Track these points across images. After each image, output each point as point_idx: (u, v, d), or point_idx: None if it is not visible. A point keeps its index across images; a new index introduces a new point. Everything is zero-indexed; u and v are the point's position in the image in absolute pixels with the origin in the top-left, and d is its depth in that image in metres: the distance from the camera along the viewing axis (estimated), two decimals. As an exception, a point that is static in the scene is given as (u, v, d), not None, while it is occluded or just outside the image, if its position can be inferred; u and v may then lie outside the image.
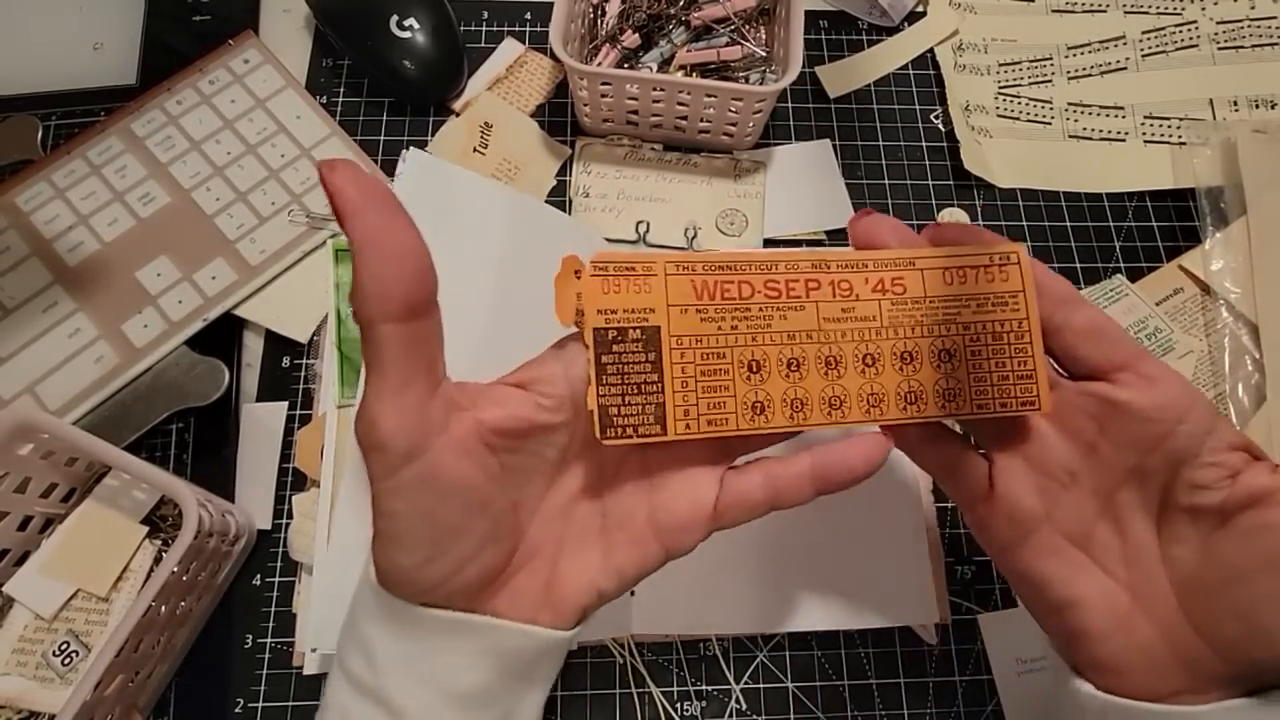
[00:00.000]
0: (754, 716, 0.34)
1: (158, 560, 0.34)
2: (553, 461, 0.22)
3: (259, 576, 0.35)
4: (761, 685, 0.34)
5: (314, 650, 0.33)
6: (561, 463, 0.22)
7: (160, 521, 0.35)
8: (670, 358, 0.20)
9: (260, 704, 0.33)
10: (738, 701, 0.34)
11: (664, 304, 0.20)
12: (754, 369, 0.21)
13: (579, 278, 0.20)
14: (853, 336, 0.21)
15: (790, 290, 0.21)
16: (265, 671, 0.34)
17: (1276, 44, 0.46)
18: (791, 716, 0.34)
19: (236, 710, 0.33)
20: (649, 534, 0.21)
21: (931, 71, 0.47)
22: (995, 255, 0.22)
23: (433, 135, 0.43)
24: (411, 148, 0.39)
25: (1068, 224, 0.43)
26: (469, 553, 0.20)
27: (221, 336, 0.38)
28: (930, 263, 0.22)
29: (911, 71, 0.47)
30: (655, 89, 0.39)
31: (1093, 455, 0.22)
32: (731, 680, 0.35)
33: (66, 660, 0.32)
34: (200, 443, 0.37)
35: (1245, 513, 0.20)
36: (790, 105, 0.45)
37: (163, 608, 0.30)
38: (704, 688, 0.34)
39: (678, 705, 0.34)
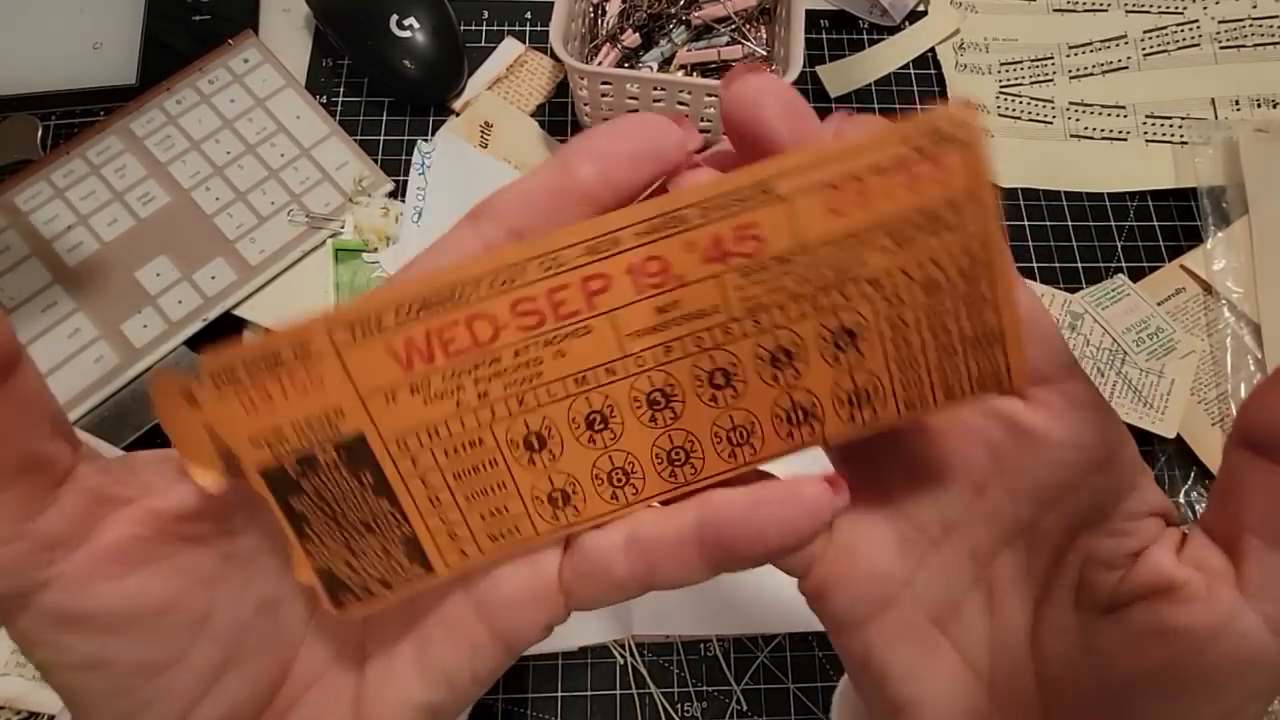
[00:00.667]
0: (755, 717, 0.34)
1: (157, 561, 0.34)
2: None
3: (259, 577, 0.35)
4: (763, 686, 0.34)
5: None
6: None
7: (160, 522, 0.35)
8: (398, 471, 0.13)
9: (260, 705, 0.33)
10: (739, 702, 0.34)
11: (354, 396, 0.13)
12: (535, 446, 0.13)
13: (197, 404, 0.12)
14: (686, 349, 0.13)
15: (559, 305, 0.13)
16: (265, 672, 0.34)
17: (1278, 43, 0.46)
18: (793, 717, 0.34)
19: (236, 711, 0.33)
20: (473, 620, 0.15)
21: (933, 71, 0.46)
22: (919, 140, 0.12)
23: (433, 135, 0.43)
24: (444, 130, 0.38)
25: (1069, 223, 0.43)
26: (195, 691, 0.14)
27: (221, 337, 0.38)
28: (801, 180, 0.12)
29: (913, 71, 0.46)
30: (656, 88, 0.39)
31: (979, 501, 0.15)
32: (732, 681, 0.34)
33: (66, 661, 0.32)
34: (200, 443, 0.37)
35: (1138, 606, 0.14)
36: (791, 105, 0.45)
37: (162, 608, 0.29)
38: (705, 688, 0.34)
39: (678, 706, 0.34)
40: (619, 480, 0.14)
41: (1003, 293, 0.13)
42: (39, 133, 0.42)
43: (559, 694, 0.34)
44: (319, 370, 0.13)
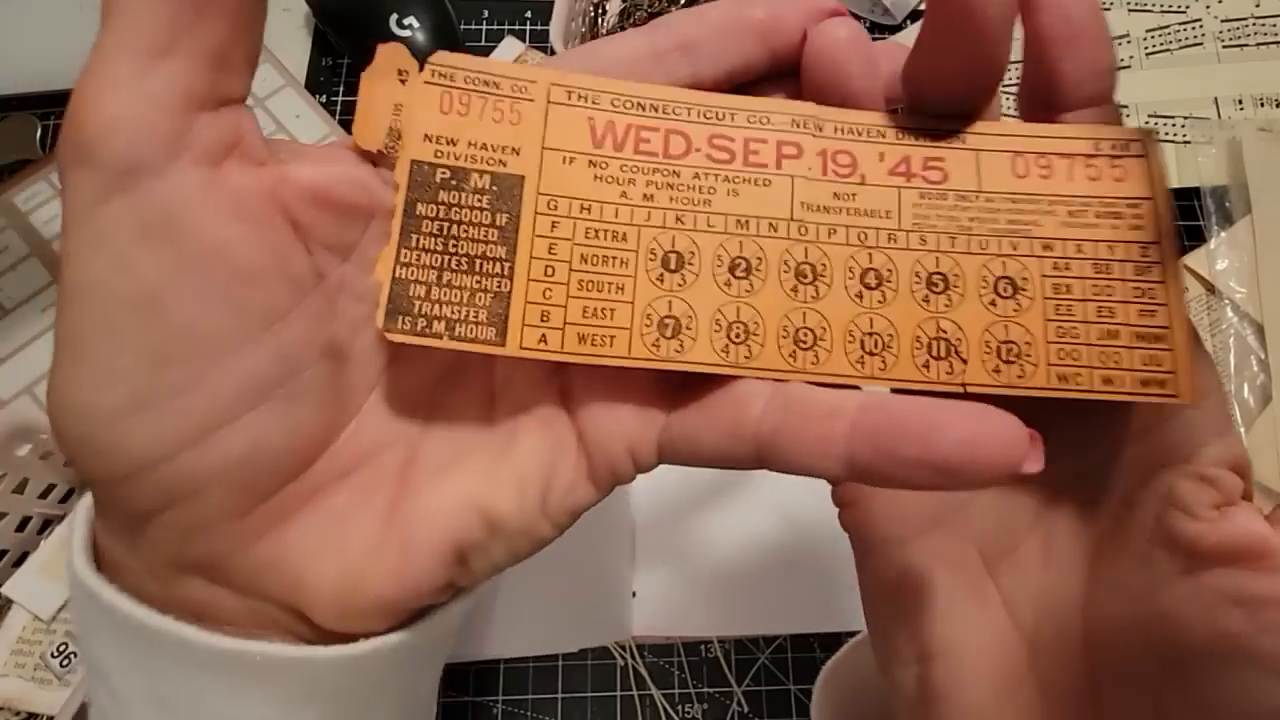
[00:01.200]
0: (756, 719, 0.34)
1: (157, 561, 0.34)
2: None
3: (258, 578, 0.35)
4: (763, 687, 0.34)
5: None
6: None
7: (159, 522, 0.35)
8: (534, 227, 0.13)
9: (259, 706, 0.33)
10: (739, 704, 0.34)
11: (538, 144, 0.13)
12: (672, 265, 0.13)
13: (404, 82, 0.13)
14: (849, 238, 0.13)
15: (751, 154, 0.13)
16: (264, 673, 0.34)
17: (1282, 42, 0.46)
18: (794, 719, 0.34)
19: (235, 712, 0.33)
20: (562, 422, 0.13)
21: (934, 70, 0.46)
22: (1106, 142, 0.13)
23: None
24: None
25: (1071, 223, 0.43)
26: (226, 404, 0.11)
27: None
28: (992, 141, 0.13)
29: (914, 70, 0.46)
30: (656, 88, 0.39)
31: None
32: (733, 682, 0.34)
33: (65, 662, 0.32)
34: (199, 443, 0.37)
35: (1221, 570, 0.12)
36: (792, 104, 0.45)
37: (161, 609, 0.29)
38: (705, 690, 0.34)
39: (679, 708, 0.34)
40: (738, 336, 0.13)
41: (1174, 296, 0.13)
42: (38, 132, 0.42)
43: (559, 695, 0.34)
44: (522, 109, 0.13)
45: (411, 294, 0.13)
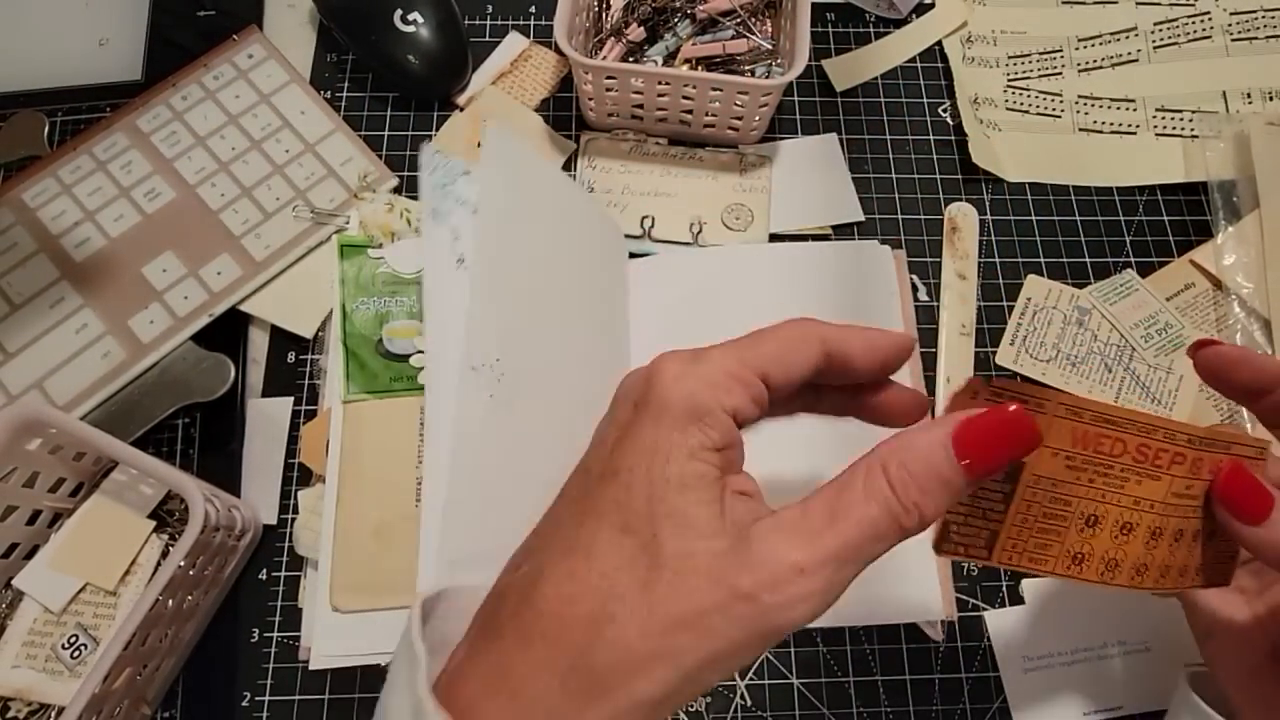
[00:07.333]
0: (759, 713, 0.34)
1: (165, 554, 0.35)
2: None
3: (264, 571, 0.35)
4: (766, 681, 0.34)
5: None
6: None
7: (167, 516, 0.35)
8: (1023, 494, 0.20)
9: (266, 697, 0.33)
10: (742, 698, 0.34)
11: (1039, 444, 0.20)
12: (1090, 523, 0.21)
13: (975, 399, 0.20)
14: (1179, 512, 0.22)
15: (1156, 458, 0.21)
16: (271, 665, 0.34)
17: (1291, 35, 0.46)
18: (797, 713, 0.34)
19: (243, 703, 0.33)
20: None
21: (940, 64, 0.46)
22: (1252, 449, 0.23)
23: (437, 130, 0.43)
24: (492, 128, 0.35)
25: (1077, 218, 0.43)
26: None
27: (227, 332, 0.39)
28: (1237, 451, 0.23)
29: (919, 64, 0.46)
30: (660, 83, 0.39)
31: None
32: (736, 676, 0.34)
33: (75, 653, 0.33)
34: (206, 438, 0.37)
35: None
36: (796, 99, 0.45)
37: (170, 601, 0.30)
38: (708, 684, 0.34)
39: (682, 701, 0.34)
40: (1111, 566, 0.22)
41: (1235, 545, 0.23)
42: (45, 129, 0.42)
43: (563, 688, 0.34)
44: (1037, 420, 0.19)
45: (950, 531, 0.21)
